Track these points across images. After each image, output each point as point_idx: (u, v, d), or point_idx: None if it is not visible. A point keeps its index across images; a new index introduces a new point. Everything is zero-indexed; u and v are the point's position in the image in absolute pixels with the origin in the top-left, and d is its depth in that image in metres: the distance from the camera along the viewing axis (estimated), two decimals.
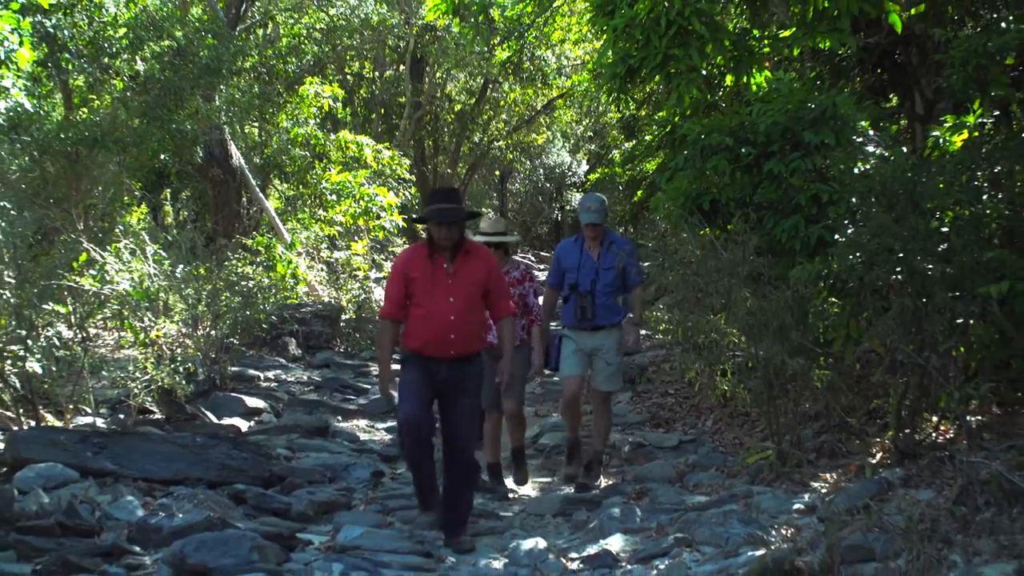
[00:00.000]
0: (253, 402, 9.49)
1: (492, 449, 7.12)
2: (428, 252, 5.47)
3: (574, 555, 5.30)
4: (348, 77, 23.00)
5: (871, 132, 6.98)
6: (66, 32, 12.86)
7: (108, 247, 9.93)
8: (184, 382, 8.68)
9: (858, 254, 5.69)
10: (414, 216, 5.60)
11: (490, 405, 6.77)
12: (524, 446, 7.32)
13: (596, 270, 6.77)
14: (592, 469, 6.98)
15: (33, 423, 7.25)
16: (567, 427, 7.34)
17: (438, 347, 5.39)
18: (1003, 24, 6.42)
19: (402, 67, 22.79)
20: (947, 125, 6.88)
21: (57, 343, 7.82)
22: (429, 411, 5.54)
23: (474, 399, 5.71)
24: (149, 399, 8.48)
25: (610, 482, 6.91)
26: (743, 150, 6.95)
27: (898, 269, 5.44)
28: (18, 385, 7.39)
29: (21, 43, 8.36)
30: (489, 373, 6.22)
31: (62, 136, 12.77)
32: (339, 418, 9.23)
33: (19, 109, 8.86)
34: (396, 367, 5.89)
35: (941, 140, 6.78)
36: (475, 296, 5.49)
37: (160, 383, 8.50)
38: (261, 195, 15.65)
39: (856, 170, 6.39)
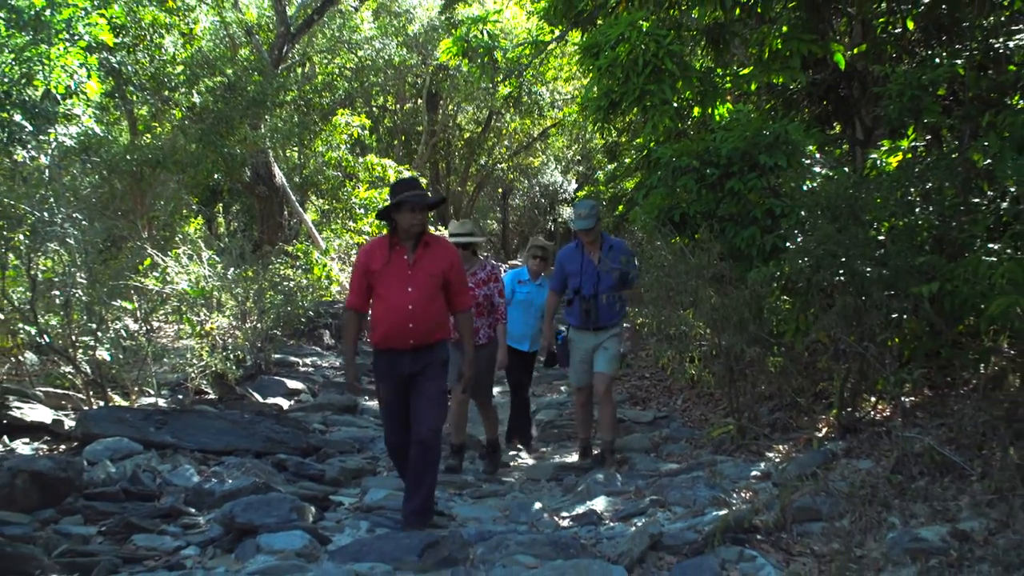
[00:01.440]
0: (293, 384, 9.50)
1: (458, 430, 6.62)
2: (390, 243, 4.87)
3: (565, 514, 5.29)
4: (374, 109, 22.98)
5: (818, 155, 6.99)
6: (130, 68, 12.89)
7: (169, 252, 9.93)
8: (234, 367, 8.68)
9: (806, 259, 5.68)
10: (384, 207, 4.97)
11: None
12: (498, 438, 6.89)
13: (597, 274, 6.37)
14: (605, 459, 6.47)
15: (102, 403, 7.24)
16: (580, 429, 6.88)
17: (398, 338, 4.81)
18: (936, 59, 6.41)
19: (419, 101, 22.80)
20: (884, 148, 6.89)
21: (124, 335, 7.83)
22: (405, 428, 4.96)
23: (438, 383, 4.98)
24: (204, 382, 8.49)
25: (595, 452, 6.89)
26: (708, 171, 6.95)
27: (841, 272, 5.44)
28: (89, 371, 7.39)
29: (89, 76, 8.37)
30: (455, 361, 5.89)
31: (128, 158, 12.79)
32: (366, 398, 9.21)
33: (89, 134, 8.87)
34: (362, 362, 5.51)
35: (879, 161, 6.79)
36: (434, 287, 4.86)
37: (213, 368, 8.51)
38: (300, 209, 15.66)
39: (805, 187, 6.40)
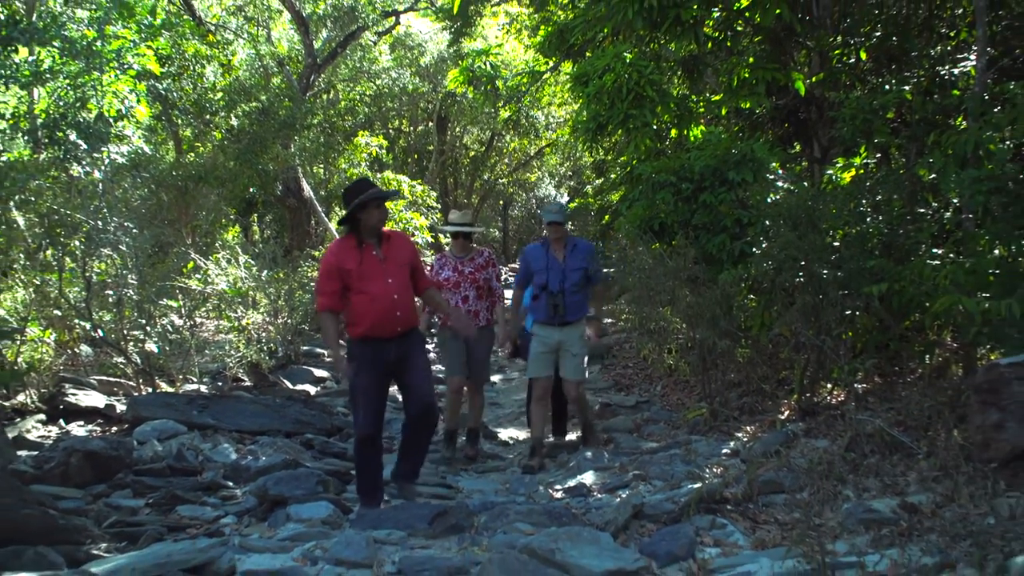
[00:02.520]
0: (319, 373, 9.46)
1: (452, 416, 6.23)
2: (357, 243, 4.56)
3: (558, 486, 5.26)
4: (390, 131, 22.95)
5: (780, 171, 6.97)
6: (175, 94, 12.90)
7: (210, 257, 9.91)
8: (267, 358, 8.66)
9: (770, 262, 5.68)
10: (348, 211, 4.54)
11: (455, 372, 6.08)
12: (479, 428, 6.40)
13: (563, 271, 5.85)
14: (588, 436, 6.22)
15: (150, 390, 7.22)
16: (534, 425, 6.16)
17: (386, 327, 4.53)
18: (886, 86, 6.39)
19: (430, 123, 22.78)
20: (839, 165, 6.86)
21: (170, 329, 7.82)
22: (382, 418, 4.71)
23: (425, 358, 4.79)
24: (241, 371, 8.47)
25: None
26: (683, 185, 6.93)
27: (801, 274, 5.43)
28: (139, 361, 7.38)
29: (138, 101, 8.37)
30: (453, 348, 5.89)
31: (174, 173, 12.79)
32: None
33: (139, 152, 8.87)
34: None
35: (834, 177, 6.77)
36: (406, 275, 4.66)
37: (249, 359, 8.49)
38: (325, 218, 15.62)
39: (769, 200, 6.37)
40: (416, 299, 4.89)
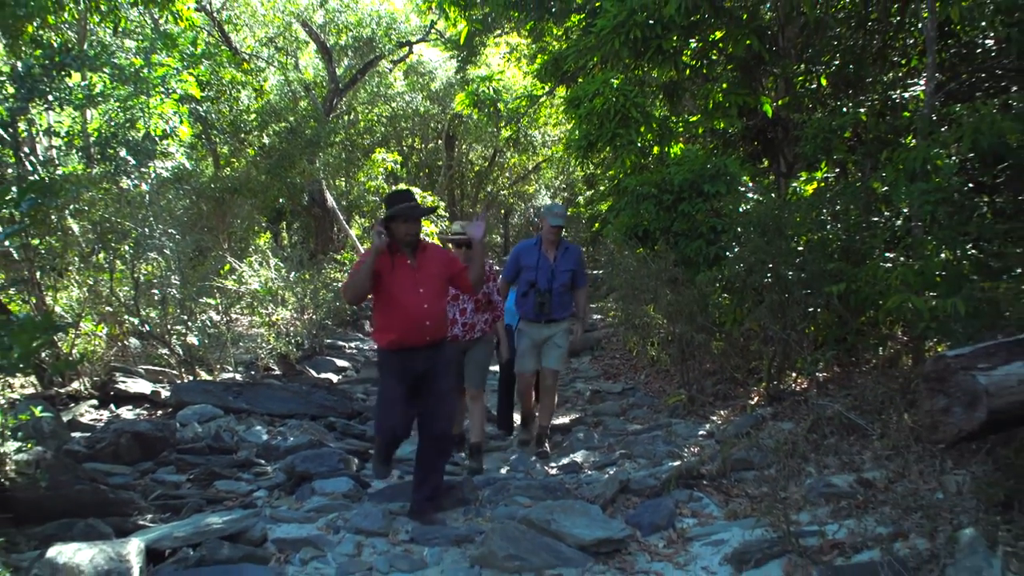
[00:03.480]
0: (341, 363, 9.45)
1: (476, 428, 5.37)
2: (390, 250, 4.06)
3: (552, 464, 5.26)
4: (404, 148, 22.92)
5: (750, 184, 6.94)
6: (213, 116, 12.89)
7: (244, 260, 9.90)
8: (294, 350, 8.65)
9: (741, 265, 5.66)
10: (382, 216, 4.09)
11: (476, 384, 5.32)
12: (481, 443, 5.39)
13: (552, 271, 5.46)
14: (542, 440, 5.62)
15: (191, 378, 7.21)
16: (522, 406, 5.99)
17: (415, 336, 4.03)
18: (843, 108, 6.39)
19: (440, 141, 22.73)
20: (802, 179, 6.84)
21: (209, 324, 7.81)
22: (404, 421, 4.11)
23: (449, 380, 4.26)
24: (271, 361, 8.45)
25: (577, 416, 6.85)
26: (664, 196, 6.91)
27: (768, 275, 5.42)
28: (181, 352, 7.37)
29: (181, 122, 8.36)
30: (460, 362, 5.18)
31: (212, 186, 12.80)
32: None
33: (181, 167, 8.86)
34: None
35: (798, 189, 6.74)
36: (440, 286, 4.16)
37: (278, 350, 8.48)
38: (346, 226, 15.61)
39: (740, 209, 6.35)
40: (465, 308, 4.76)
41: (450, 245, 5.48)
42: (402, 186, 15.54)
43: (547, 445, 5.61)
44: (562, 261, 5.52)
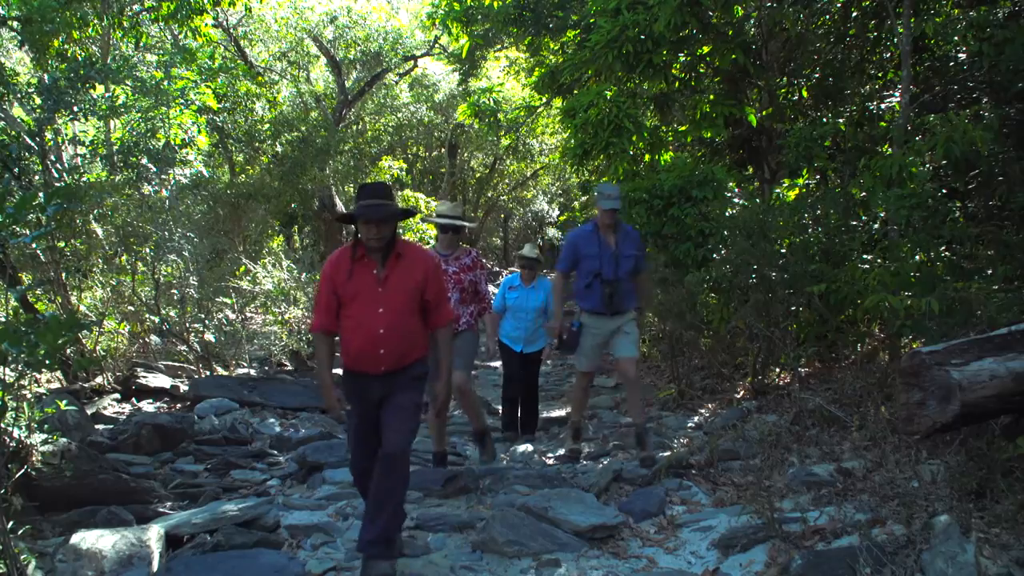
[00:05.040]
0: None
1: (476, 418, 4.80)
2: (353, 254, 3.14)
3: (550, 455, 5.24)
4: (409, 156, 22.90)
5: (736, 190, 6.94)
6: (230, 126, 12.89)
7: (258, 262, 9.88)
8: (306, 346, 8.63)
9: (728, 266, 5.66)
10: (341, 216, 3.55)
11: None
12: (486, 427, 4.88)
13: (616, 258, 4.63)
14: (644, 440, 4.65)
15: (208, 373, 7.20)
16: (574, 410, 5.13)
17: (368, 362, 3.11)
18: (824, 119, 6.39)
19: (443, 150, 22.72)
20: (785, 185, 6.84)
21: (225, 322, 7.79)
22: (373, 453, 3.13)
23: (411, 396, 3.17)
24: (284, 357, 8.43)
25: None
26: (655, 201, 6.89)
27: (753, 276, 5.41)
28: (199, 349, 7.35)
29: (199, 132, 8.36)
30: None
31: (228, 192, 12.75)
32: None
33: (199, 174, 8.85)
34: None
35: (781, 195, 6.73)
36: (408, 305, 3.14)
37: (291, 347, 8.46)
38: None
39: (727, 214, 6.35)
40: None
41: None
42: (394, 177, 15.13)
43: (649, 447, 4.64)
44: (624, 246, 4.71)
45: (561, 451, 5.12)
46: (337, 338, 3.25)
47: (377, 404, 3.17)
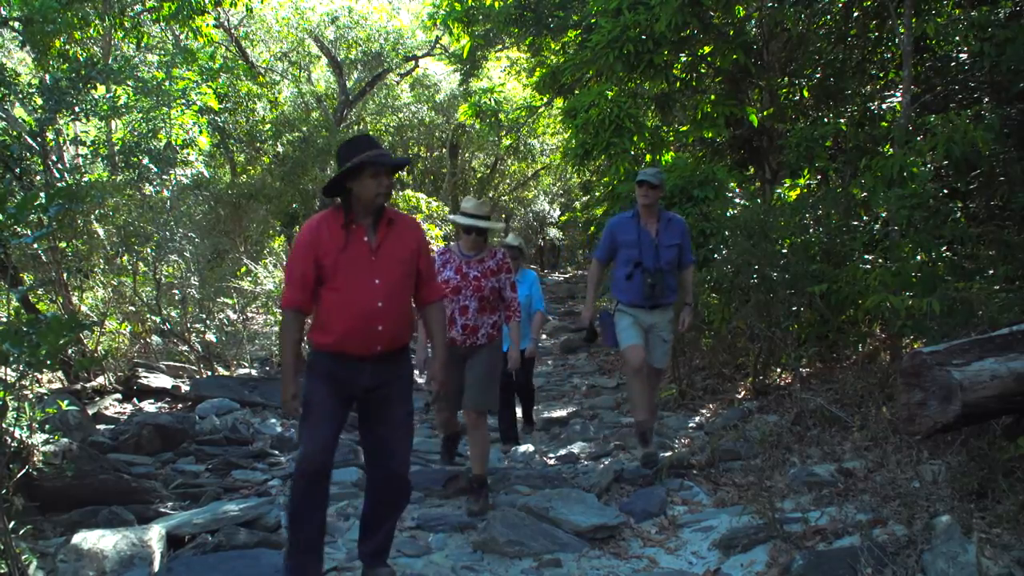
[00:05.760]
0: None
1: (479, 462, 3.94)
2: (344, 221, 2.73)
3: (551, 455, 5.24)
4: (410, 156, 22.93)
5: (737, 190, 6.94)
6: (231, 126, 12.90)
7: (259, 262, 9.88)
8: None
9: (729, 267, 5.65)
10: (337, 176, 2.66)
11: (447, 409, 4.15)
12: (485, 477, 3.96)
13: (657, 247, 4.29)
14: (647, 439, 4.39)
15: (209, 373, 7.20)
16: (637, 404, 4.41)
17: (361, 342, 2.72)
18: (824, 119, 6.39)
19: (444, 150, 22.74)
20: (786, 185, 6.84)
21: (227, 322, 7.79)
22: (334, 447, 2.81)
23: (406, 405, 2.87)
24: None
25: (574, 409, 6.83)
26: None
27: (754, 276, 5.40)
28: (200, 349, 7.35)
29: (200, 132, 8.37)
30: (458, 374, 3.85)
31: (229, 192, 12.77)
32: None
33: (201, 175, 8.87)
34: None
35: (782, 195, 6.74)
36: (404, 276, 2.79)
37: None
38: None
39: (728, 214, 6.34)
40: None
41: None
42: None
43: (653, 439, 4.45)
44: (665, 235, 4.36)
45: (635, 462, 4.51)
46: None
47: (363, 397, 2.79)
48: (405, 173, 17.72)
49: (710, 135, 7.80)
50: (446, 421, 4.45)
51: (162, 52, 9.84)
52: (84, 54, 7.52)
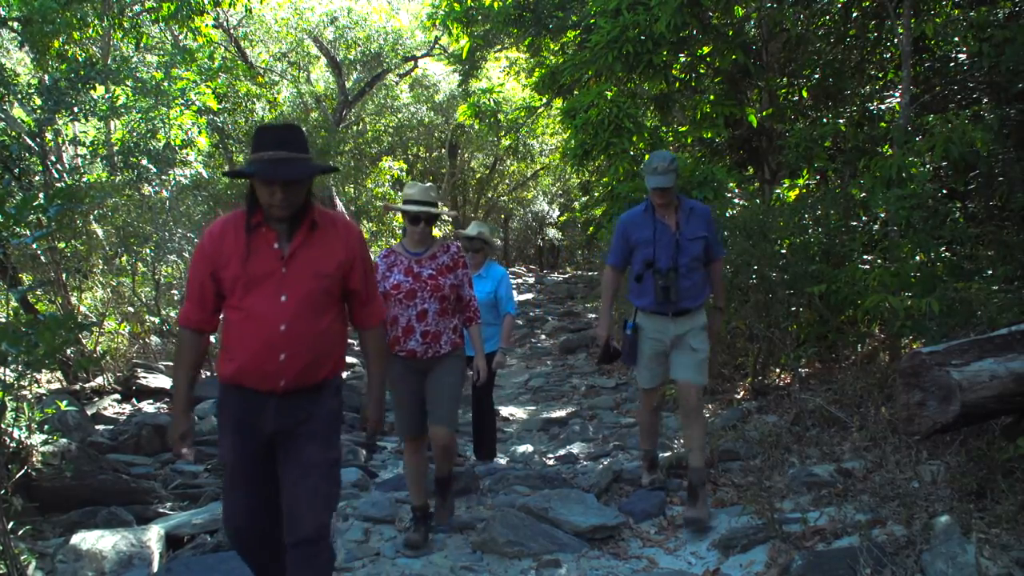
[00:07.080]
0: (350, 359, 9.42)
1: (416, 490, 3.50)
2: (248, 223, 2.23)
3: (550, 455, 5.24)
4: (409, 156, 22.91)
5: (736, 190, 6.94)
6: (230, 126, 12.90)
7: None
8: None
9: (728, 267, 5.64)
10: (241, 171, 2.19)
11: (411, 430, 3.47)
12: (451, 477, 3.71)
13: (676, 242, 3.59)
14: (697, 495, 3.55)
15: (208, 374, 7.19)
16: (645, 440, 4.06)
17: (261, 374, 2.21)
18: (824, 119, 6.39)
19: (443, 150, 22.74)
20: (785, 186, 6.84)
21: None
22: (260, 508, 2.28)
23: (329, 452, 2.28)
24: None
25: (573, 410, 6.82)
26: None
27: (754, 276, 5.41)
28: None
29: (199, 132, 8.37)
30: (419, 390, 3.38)
31: (229, 192, 12.75)
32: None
33: (200, 175, 8.87)
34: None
35: (781, 195, 6.74)
36: (321, 292, 2.25)
37: None
38: None
39: (727, 214, 6.34)
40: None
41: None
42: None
43: (706, 500, 3.60)
44: (688, 227, 3.63)
45: (635, 462, 4.38)
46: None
47: (268, 442, 2.26)
48: (404, 174, 17.70)
49: (709, 135, 7.80)
50: (412, 451, 3.53)
51: (161, 52, 9.83)
52: (83, 54, 7.52)
